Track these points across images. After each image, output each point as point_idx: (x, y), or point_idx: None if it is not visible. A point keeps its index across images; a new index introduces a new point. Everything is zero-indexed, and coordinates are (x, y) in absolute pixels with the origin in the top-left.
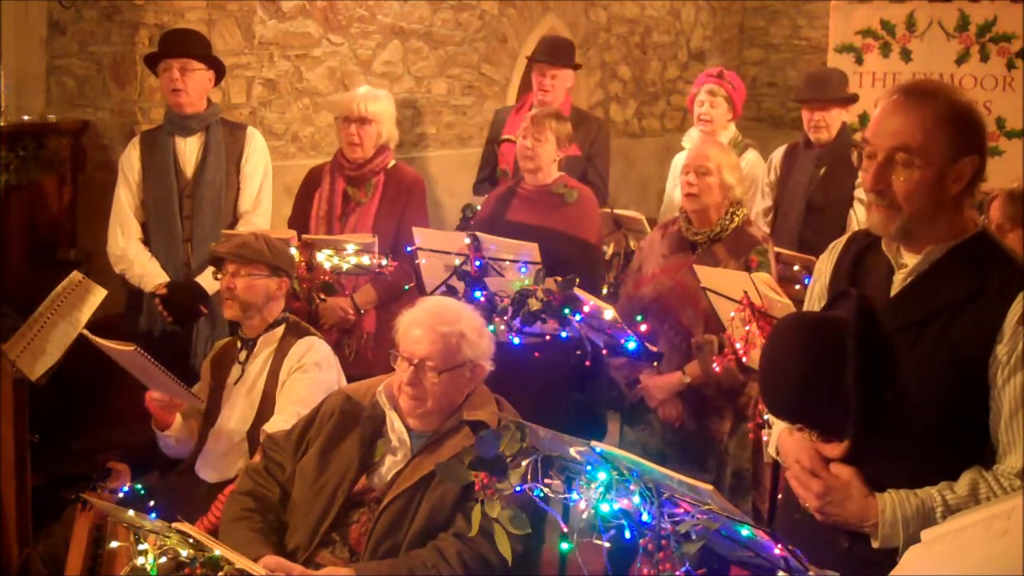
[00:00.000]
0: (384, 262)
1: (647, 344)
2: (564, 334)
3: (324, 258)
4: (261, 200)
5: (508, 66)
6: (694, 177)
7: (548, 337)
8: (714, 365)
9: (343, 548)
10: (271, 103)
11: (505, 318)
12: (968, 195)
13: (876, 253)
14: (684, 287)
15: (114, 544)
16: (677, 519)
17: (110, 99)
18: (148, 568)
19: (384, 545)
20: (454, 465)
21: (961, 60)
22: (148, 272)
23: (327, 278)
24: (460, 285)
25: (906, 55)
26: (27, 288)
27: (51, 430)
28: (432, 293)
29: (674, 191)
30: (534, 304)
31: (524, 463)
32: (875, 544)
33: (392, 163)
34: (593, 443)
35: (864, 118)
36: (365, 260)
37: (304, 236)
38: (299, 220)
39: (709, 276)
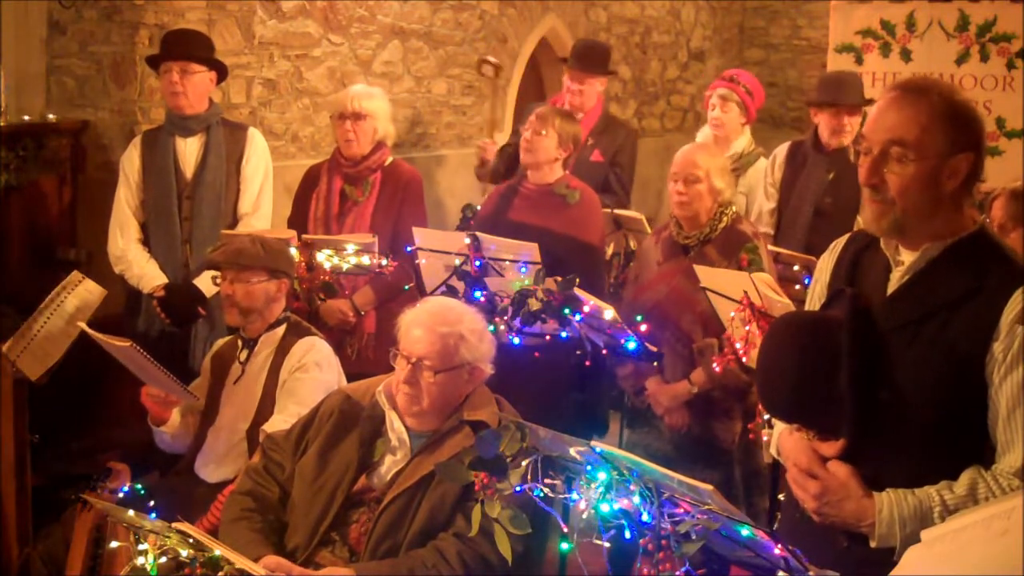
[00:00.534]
0: (384, 262)
1: (647, 343)
2: (564, 334)
3: (324, 258)
4: (261, 202)
5: (508, 66)
6: (683, 186)
7: (548, 337)
8: (714, 366)
9: (343, 548)
10: (271, 103)
11: (505, 318)
12: (966, 193)
13: (875, 252)
14: (680, 292)
15: (114, 544)
16: (677, 519)
17: (110, 99)
18: (148, 568)
19: (384, 545)
20: (454, 465)
21: (961, 60)
22: (146, 273)
23: (327, 278)
24: (460, 285)
25: (906, 55)
26: (27, 288)
27: (51, 430)
28: (432, 293)
29: None
30: (534, 304)
31: (524, 463)
32: (873, 544)
33: (389, 160)
34: (593, 443)
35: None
36: (365, 260)
37: (304, 236)
38: (298, 220)
39: (709, 276)
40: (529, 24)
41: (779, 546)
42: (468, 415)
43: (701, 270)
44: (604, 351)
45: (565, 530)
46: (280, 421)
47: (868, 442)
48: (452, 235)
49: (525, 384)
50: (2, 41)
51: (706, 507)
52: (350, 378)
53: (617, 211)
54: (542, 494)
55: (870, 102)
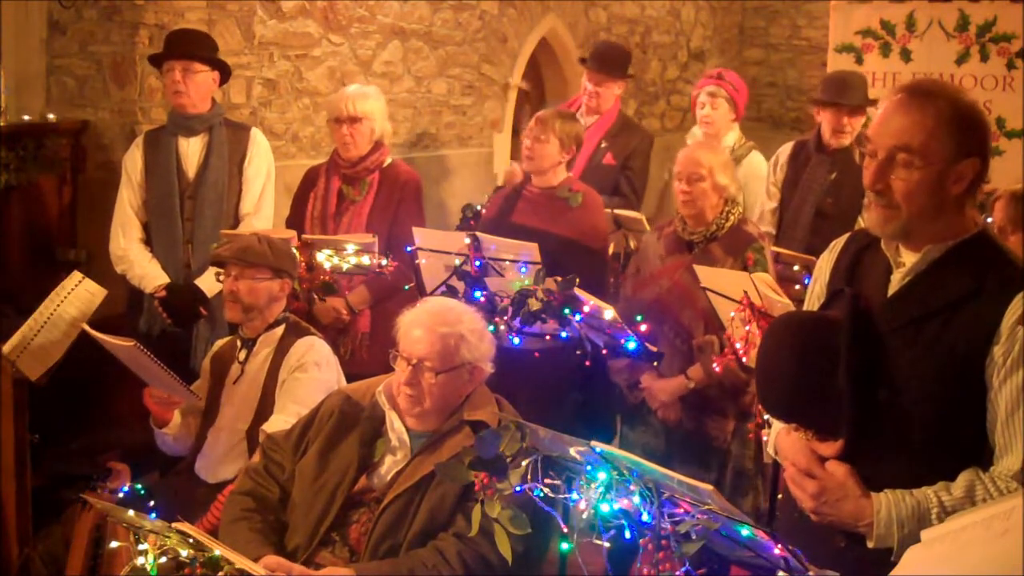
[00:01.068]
0: (384, 262)
1: (647, 344)
2: (564, 334)
3: (324, 258)
4: (263, 203)
5: (508, 66)
6: (687, 184)
7: (548, 337)
8: (714, 365)
9: (343, 548)
10: (271, 103)
11: (505, 318)
12: (969, 196)
13: (875, 252)
14: (682, 288)
15: (114, 544)
16: (677, 519)
17: (110, 99)
18: (148, 568)
19: (384, 545)
20: (454, 465)
21: (961, 60)
22: (148, 273)
23: (327, 278)
24: (460, 285)
25: (906, 55)
26: (27, 288)
27: (51, 430)
28: (432, 293)
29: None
30: (534, 304)
31: (524, 463)
32: (870, 544)
33: (388, 161)
34: (593, 443)
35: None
36: (365, 260)
37: (304, 236)
38: (296, 220)
39: (709, 276)
40: (529, 24)
41: (779, 546)
42: (468, 415)
43: (701, 270)
44: (604, 351)
45: (565, 530)
46: (280, 421)
47: (866, 442)
48: (452, 235)
49: (525, 384)
50: (2, 41)
51: (706, 507)
52: (345, 378)
53: (617, 211)
54: (542, 494)
55: (873, 103)
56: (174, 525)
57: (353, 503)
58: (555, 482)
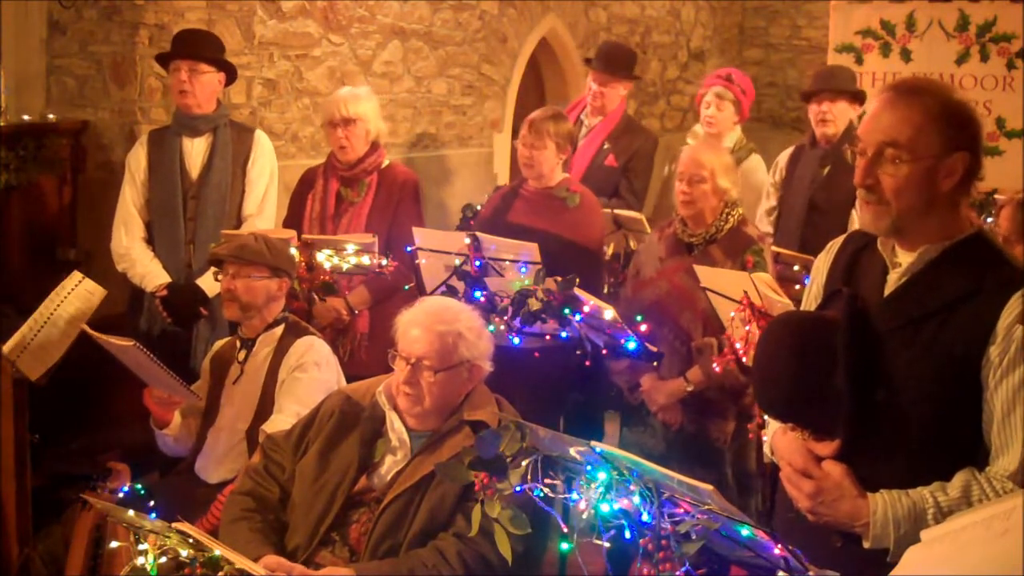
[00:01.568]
0: (384, 262)
1: (647, 344)
2: (564, 334)
3: (324, 258)
4: (266, 204)
5: (508, 66)
6: (687, 185)
7: (548, 337)
8: (714, 366)
9: (343, 548)
10: (271, 103)
11: (505, 318)
12: (963, 194)
13: (872, 252)
14: (681, 290)
15: (114, 544)
16: (677, 519)
17: (110, 99)
18: (148, 568)
19: (384, 545)
20: (454, 465)
21: (961, 60)
22: (150, 272)
23: (327, 278)
24: (460, 285)
25: (906, 55)
26: (27, 288)
27: (51, 430)
28: (432, 293)
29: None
30: (534, 304)
31: (524, 463)
32: (866, 544)
33: (386, 162)
34: (593, 443)
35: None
36: (365, 260)
37: (304, 236)
38: (293, 221)
39: (709, 276)
40: (529, 24)
41: (779, 546)
42: (468, 415)
43: (701, 270)
44: (604, 351)
45: (565, 530)
46: (280, 421)
47: (863, 442)
48: (452, 235)
49: (525, 384)
50: (2, 41)
51: (706, 507)
52: (344, 378)
53: (617, 211)
54: (542, 494)
55: (857, 92)
56: (174, 525)
57: (353, 503)
58: (555, 482)
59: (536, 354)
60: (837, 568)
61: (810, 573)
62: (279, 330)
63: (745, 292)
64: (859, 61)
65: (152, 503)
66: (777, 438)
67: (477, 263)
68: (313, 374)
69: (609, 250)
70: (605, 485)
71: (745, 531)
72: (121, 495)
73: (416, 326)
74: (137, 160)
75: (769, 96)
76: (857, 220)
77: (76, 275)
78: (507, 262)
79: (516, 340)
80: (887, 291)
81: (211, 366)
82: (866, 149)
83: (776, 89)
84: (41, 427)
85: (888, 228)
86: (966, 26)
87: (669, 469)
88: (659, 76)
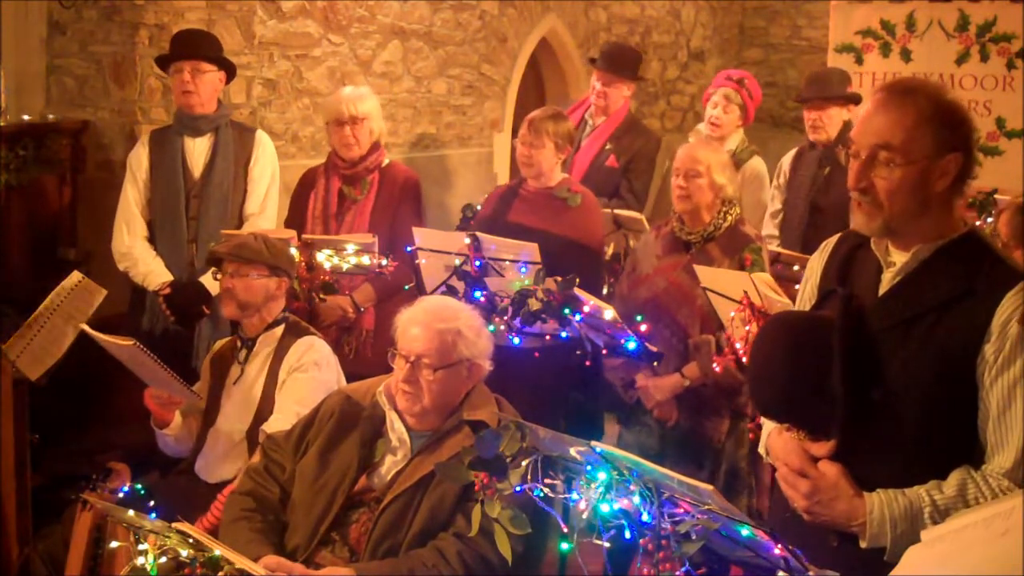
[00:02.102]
0: (384, 262)
1: (647, 344)
2: (564, 334)
3: (324, 258)
4: (267, 203)
5: (508, 66)
6: (683, 180)
7: (548, 337)
8: (714, 365)
9: (343, 548)
10: (271, 103)
11: (505, 318)
12: (957, 194)
13: (866, 252)
14: (679, 287)
15: (114, 544)
16: (677, 519)
17: (110, 99)
18: (148, 568)
19: (384, 545)
20: (454, 465)
21: (961, 60)
22: (152, 271)
23: (327, 278)
24: (460, 285)
25: (906, 55)
26: (27, 288)
27: (51, 430)
28: (432, 293)
29: None
30: (534, 304)
31: (524, 463)
32: (863, 544)
33: (386, 161)
34: (593, 443)
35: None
36: (365, 260)
37: (304, 236)
38: (295, 221)
39: (709, 276)
40: (529, 24)
41: (779, 546)
42: (468, 415)
43: (701, 270)
44: (604, 351)
45: (565, 530)
46: (280, 421)
47: (859, 442)
48: (452, 235)
49: (525, 384)
50: (2, 41)
51: (706, 507)
52: (349, 377)
53: (617, 211)
54: (542, 494)
55: (852, 97)
56: (174, 525)
57: (353, 503)
58: (555, 482)
59: (536, 354)
60: (835, 568)
61: (810, 573)
62: (279, 330)
63: (745, 292)
64: (859, 61)
65: (152, 503)
66: (773, 438)
67: (477, 263)
68: (313, 374)
69: (609, 250)
70: (605, 485)
71: (745, 531)
72: (121, 495)
73: (415, 324)
74: (138, 160)
75: (769, 96)
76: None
77: (76, 275)
78: (507, 262)
79: (516, 340)
80: (881, 290)
81: (211, 366)
82: (859, 152)
83: (776, 89)
84: (41, 427)
85: (881, 230)
86: (966, 26)
87: (664, 466)
88: (659, 76)
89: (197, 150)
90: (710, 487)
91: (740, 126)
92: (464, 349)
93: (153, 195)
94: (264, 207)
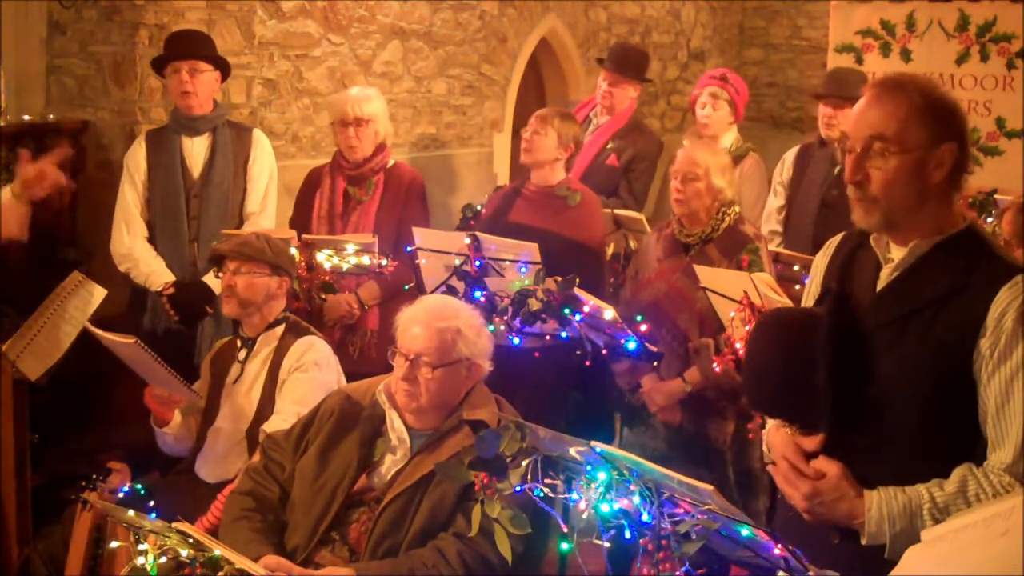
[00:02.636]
0: (384, 262)
1: (647, 344)
2: (564, 334)
3: (324, 258)
4: (267, 202)
5: (508, 66)
6: (681, 183)
7: (548, 337)
8: (714, 366)
9: (343, 547)
10: (271, 103)
11: (505, 318)
12: (955, 188)
13: (867, 250)
14: (679, 290)
15: (114, 544)
16: (677, 519)
17: (110, 99)
18: (148, 568)
19: (384, 544)
20: (454, 465)
21: (961, 60)
22: (155, 271)
23: (327, 278)
24: (460, 285)
25: (906, 55)
26: (27, 288)
27: (51, 430)
28: (432, 293)
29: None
30: (534, 304)
31: (524, 463)
32: (863, 542)
33: (391, 162)
34: (593, 443)
35: None
36: (365, 260)
37: (304, 236)
38: (300, 221)
39: (709, 276)
40: (529, 24)
41: (779, 546)
42: (468, 415)
43: (701, 270)
44: (604, 351)
45: (565, 530)
46: (279, 421)
47: (858, 440)
48: (452, 235)
49: (525, 384)
50: (2, 41)
51: (706, 507)
52: (353, 377)
53: (617, 211)
54: (542, 494)
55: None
56: (174, 525)
57: (353, 502)
58: (555, 482)
59: (536, 354)
60: (836, 566)
61: (810, 573)
62: (279, 330)
63: (745, 292)
64: (859, 61)
65: (152, 503)
66: (770, 435)
67: (477, 263)
68: (313, 374)
69: (609, 250)
70: (605, 485)
71: (745, 531)
72: (121, 495)
73: (416, 323)
74: (136, 160)
75: (769, 96)
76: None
77: (76, 275)
78: (507, 262)
79: (516, 340)
80: (879, 287)
81: (211, 365)
82: (855, 146)
83: (776, 89)
84: (41, 427)
85: (879, 223)
86: (966, 26)
87: (670, 470)
88: (659, 76)
89: (196, 150)
90: (710, 487)
91: (732, 123)
92: (464, 348)
93: (152, 195)
94: (264, 206)
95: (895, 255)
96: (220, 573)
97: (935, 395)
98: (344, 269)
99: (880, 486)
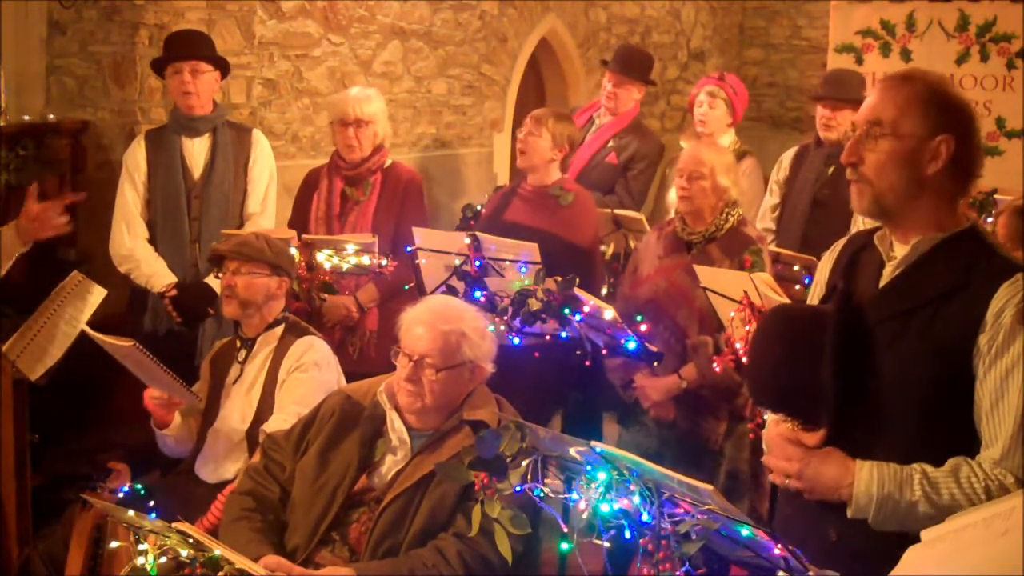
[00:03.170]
0: (384, 262)
1: (647, 344)
2: (564, 334)
3: (324, 258)
4: (267, 203)
5: (508, 66)
6: (686, 181)
7: (548, 337)
8: (714, 365)
9: (343, 547)
10: (271, 103)
11: (505, 318)
12: (958, 188)
13: (872, 250)
14: (679, 288)
15: (114, 544)
16: (677, 519)
17: (110, 99)
18: (148, 568)
19: (384, 544)
20: (454, 465)
21: (961, 60)
22: (156, 272)
23: (327, 278)
24: (460, 285)
25: (906, 55)
26: (27, 288)
27: (51, 430)
28: (432, 293)
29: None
30: (534, 304)
31: (524, 463)
32: (849, 512)
33: (389, 162)
34: (593, 443)
35: None
36: (365, 260)
37: (304, 236)
38: (298, 222)
39: (709, 276)
40: (529, 24)
41: (779, 546)
42: (468, 415)
43: (701, 270)
44: (604, 351)
45: (565, 530)
46: (279, 421)
47: (858, 435)
48: (452, 235)
49: (525, 384)
50: (2, 41)
51: (706, 507)
52: (352, 377)
53: (617, 211)
54: (542, 494)
55: (862, 100)
56: (174, 525)
57: (353, 503)
58: (555, 482)
59: (536, 354)
60: (832, 562)
61: (810, 573)
62: (279, 330)
63: (745, 292)
64: (859, 61)
65: (152, 503)
66: (769, 429)
67: (477, 263)
68: (313, 374)
69: (609, 250)
70: (605, 485)
71: (745, 531)
72: (121, 495)
73: (420, 324)
74: (136, 160)
75: (769, 96)
76: (860, 218)
77: (76, 275)
78: (507, 262)
79: (516, 340)
80: (882, 283)
81: (211, 366)
82: (858, 129)
83: (776, 89)
84: (41, 427)
85: (870, 206)
86: (966, 26)
87: (662, 467)
88: (659, 76)
89: (196, 150)
90: (710, 487)
91: (730, 125)
92: (468, 351)
93: (153, 196)
94: (264, 206)
95: (898, 252)
96: (220, 573)
97: (935, 391)
98: (344, 269)
99: None
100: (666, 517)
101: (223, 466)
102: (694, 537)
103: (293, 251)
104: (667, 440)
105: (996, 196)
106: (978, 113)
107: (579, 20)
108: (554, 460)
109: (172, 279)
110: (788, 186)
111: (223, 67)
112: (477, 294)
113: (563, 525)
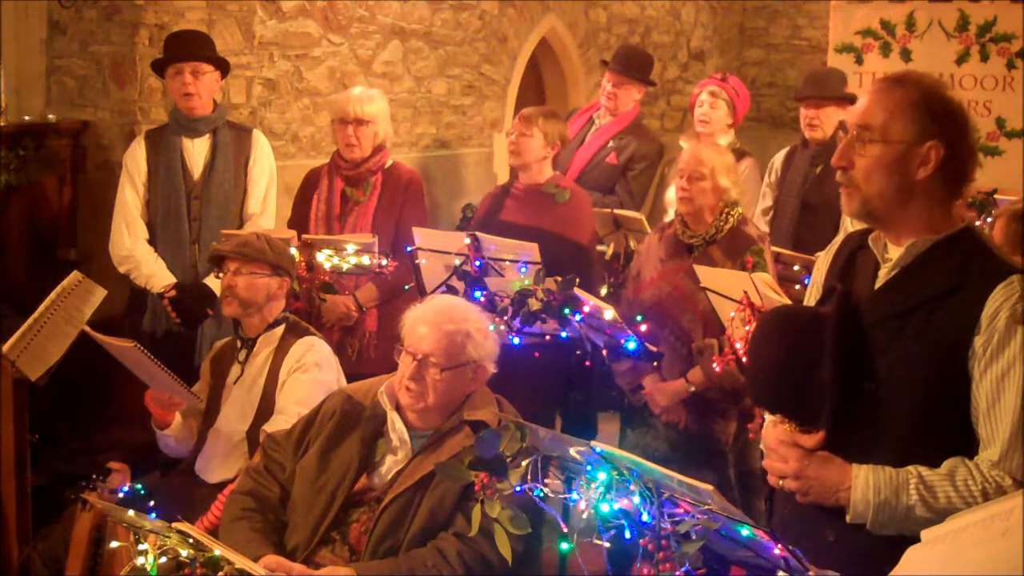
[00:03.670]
0: (384, 262)
1: (647, 344)
2: (564, 334)
3: (324, 258)
4: (267, 203)
5: (508, 66)
6: (687, 182)
7: (548, 337)
8: (714, 366)
9: (343, 547)
10: (271, 103)
11: (505, 318)
12: (951, 191)
13: (867, 251)
14: (682, 291)
15: (114, 544)
16: (677, 519)
17: (110, 99)
18: (148, 568)
19: (384, 544)
20: (454, 465)
21: (961, 60)
22: (156, 273)
23: (327, 278)
24: (460, 285)
25: (906, 55)
26: (27, 288)
27: (51, 430)
28: (432, 293)
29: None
30: (534, 304)
31: (524, 463)
32: (848, 518)
33: (389, 162)
34: (593, 443)
35: None
36: (365, 260)
37: (304, 236)
38: (298, 222)
39: (709, 276)
40: (529, 24)
41: (779, 546)
42: (468, 415)
43: (701, 270)
44: (604, 351)
45: (565, 530)
46: (280, 421)
47: (854, 436)
48: (452, 235)
49: (525, 384)
50: (2, 41)
51: (706, 507)
52: (351, 378)
53: (617, 211)
54: (542, 494)
55: (849, 97)
56: (174, 525)
57: (353, 502)
58: (555, 482)
59: (536, 354)
60: (831, 563)
61: (810, 573)
62: (279, 330)
63: (745, 292)
64: (859, 61)
65: (152, 503)
66: (767, 430)
67: (477, 263)
68: (313, 374)
69: (609, 250)
70: (605, 485)
71: (745, 531)
72: (121, 495)
73: (424, 323)
74: (136, 160)
75: (769, 96)
76: (849, 219)
77: (76, 275)
78: (507, 262)
79: (516, 340)
80: (877, 285)
81: (211, 366)
82: (849, 133)
83: (776, 89)
84: (41, 427)
85: (858, 210)
86: (966, 26)
87: (672, 470)
88: (659, 76)
89: (196, 151)
90: (710, 487)
91: (731, 126)
92: (472, 351)
93: (153, 196)
94: (264, 207)
95: (893, 254)
96: (220, 573)
97: (931, 393)
98: (344, 269)
99: None
100: (666, 517)
101: (223, 466)
102: (694, 537)
103: (293, 251)
104: (676, 442)
105: (996, 196)
106: (978, 113)
107: (579, 20)
108: (554, 460)
109: (171, 280)
110: (779, 188)
111: (223, 67)
112: (477, 294)
113: (563, 525)
